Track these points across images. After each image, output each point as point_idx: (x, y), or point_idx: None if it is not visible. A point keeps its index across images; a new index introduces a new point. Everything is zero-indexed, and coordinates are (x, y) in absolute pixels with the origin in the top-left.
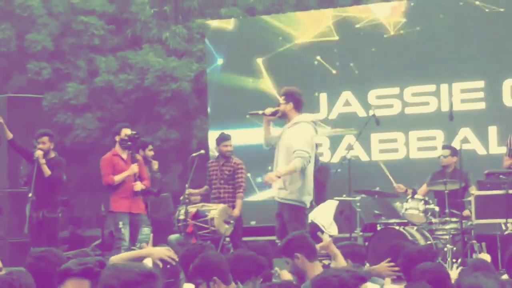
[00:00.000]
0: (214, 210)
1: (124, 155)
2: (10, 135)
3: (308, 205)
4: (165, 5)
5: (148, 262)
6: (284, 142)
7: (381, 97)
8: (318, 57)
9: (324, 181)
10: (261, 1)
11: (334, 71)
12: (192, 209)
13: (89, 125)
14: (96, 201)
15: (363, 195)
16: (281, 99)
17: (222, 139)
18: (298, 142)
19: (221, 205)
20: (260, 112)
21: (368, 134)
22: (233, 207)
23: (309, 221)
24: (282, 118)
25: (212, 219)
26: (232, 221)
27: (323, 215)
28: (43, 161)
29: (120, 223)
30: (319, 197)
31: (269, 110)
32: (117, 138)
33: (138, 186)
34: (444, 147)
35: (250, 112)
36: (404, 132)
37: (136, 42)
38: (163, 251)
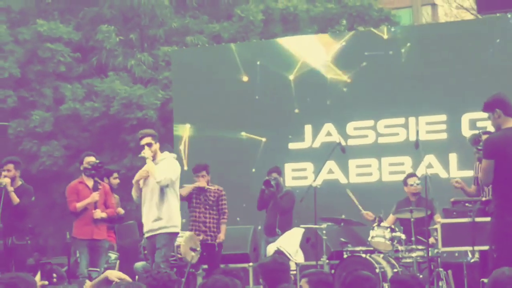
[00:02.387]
0: (181, 238)
1: (90, 183)
2: None
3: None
4: (131, 33)
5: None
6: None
7: (358, 128)
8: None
9: (289, 207)
10: (226, 29)
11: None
12: None
13: (54, 153)
14: (61, 228)
15: (329, 223)
16: (149, 140)
17: (197, 170)
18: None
19: (188, 233)
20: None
21: (347, 160)
22: (218, 232)
23: (275, 248)
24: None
25: (179, 246)
26: (198, 249)
27: (289, 243)
28: (11, 188)
29: (77, 252)
30: (284, 224)
31: (147, 153)
32: (81, 167)
33: (98, 214)
34: (411, 175)
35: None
36: (377, 158)
37: (102, 69)
38: (119, 274)
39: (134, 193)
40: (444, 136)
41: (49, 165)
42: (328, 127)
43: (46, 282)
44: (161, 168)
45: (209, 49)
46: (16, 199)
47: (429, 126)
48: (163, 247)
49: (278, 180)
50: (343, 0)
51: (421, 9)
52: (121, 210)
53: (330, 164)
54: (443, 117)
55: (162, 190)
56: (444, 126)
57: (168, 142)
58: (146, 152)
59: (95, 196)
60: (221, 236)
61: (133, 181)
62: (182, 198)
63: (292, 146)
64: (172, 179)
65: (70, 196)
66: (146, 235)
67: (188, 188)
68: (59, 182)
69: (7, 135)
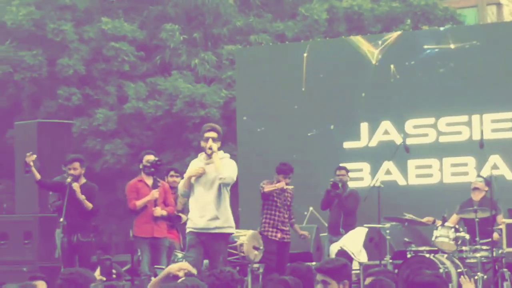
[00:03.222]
0: (244, 236)
1: (149, 181)
2: (38, 176)
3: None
4: (195, 32)
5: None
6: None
7: (417, 127)
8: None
9: (353, 208)
10: (290, 28)
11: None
12: None
13: (118, 151)
14: (124, 226)
15: (393, 223)
16: (216, 135)
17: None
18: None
19: (251, 231)
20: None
21: (405, 161)
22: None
23: (339, 248)
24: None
25: (242, 245)
26: (261, 247)
27: (352, 242)
28: (76, 185)
29: (139, 250)
30: (348, 224)
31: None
32: (140, 166)
33: (158, 211)
34: (478, 176)
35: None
36: (439, 159)
37: (165, 68)
38: (180, 264)
39: (183, 187)
40: (510, 135)
41: (112, 163)
42: (386, 125)
43: (104, 278)
44: (225, 166)
45: (273, 48)
46: (88, 204)
47: (494, 124)
48: (224, 248)
49: (344, 180)
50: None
51: (486, 8)
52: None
53: (388, 165)
54: (509, 115)
55: (220, 189)
56: (510, 124)
57: (231, 141)
58: (214, 146)
59: (155, 193)
60: (305, 233)
61: (186, 176)
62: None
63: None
64: (234, 179)
65: (129, 194)
66: (196, 231)
67: (271, 187)
68: (122, 180)
69: (71, 133)
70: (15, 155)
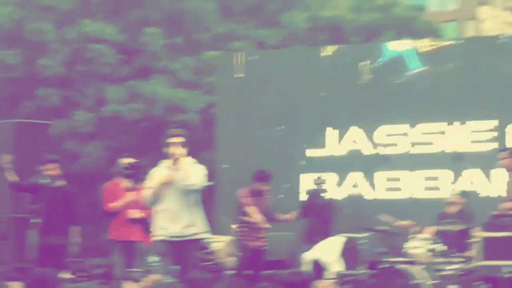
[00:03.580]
0: (220, 242)
1: (125, 184)
2: (13, 178)
3: None
4: (176, 37)
5: None
6: None
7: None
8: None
9: (329, 216)
10: (272, 35)
11: None
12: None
13: (96, 154)
14: (101, 229)
15: (369, 233)
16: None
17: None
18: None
19: (227, 237)
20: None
21: (372, 173)
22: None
23: (312, 257)
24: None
25: (218, 250)
26: (237, 254)
27: (327, 252)
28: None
29: (114, 253)
30: (323, 234)
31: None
32: (116, 169)
33: (132, 213)
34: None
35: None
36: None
37: (145, 72)
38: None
39: (152, 196)
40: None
41: (90, 166)
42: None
43: (74, 277)
44: (195, 172)
45: (254, 54)
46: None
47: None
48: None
49: (322, 189)
50: (390, 11)
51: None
52: None
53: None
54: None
55: (191, 195)
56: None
57: (210, 146)
58: (180, 152)
59: (129, 196)
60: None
61: (155, 183)
62: None
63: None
64: (204, 184)
65: (106, 197)
66: (170, 239)
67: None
68: (100, 182)
69: (48, 134)
70: None
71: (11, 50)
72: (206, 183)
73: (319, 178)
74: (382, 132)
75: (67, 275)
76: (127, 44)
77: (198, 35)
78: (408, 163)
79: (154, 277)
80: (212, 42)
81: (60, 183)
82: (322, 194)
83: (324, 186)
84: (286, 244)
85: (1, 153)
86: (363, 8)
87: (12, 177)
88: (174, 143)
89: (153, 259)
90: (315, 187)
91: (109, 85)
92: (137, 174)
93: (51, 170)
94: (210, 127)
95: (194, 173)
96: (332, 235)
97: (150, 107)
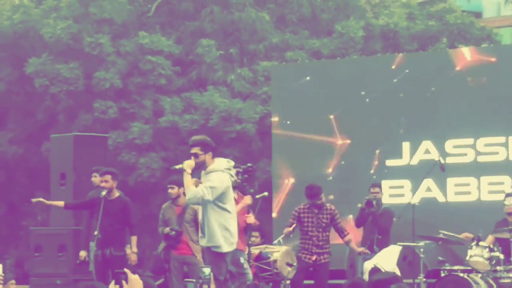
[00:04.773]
0: (277, 253)
1: (235, 195)
2: (60, 204)
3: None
4: (231, 48)
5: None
6: None
7: (457, 146)
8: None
9: (387, 225)
10: (326, 45)
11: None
12: (255, 250)
13: (152, 165)
14: (156, 241)
15: (427, 241)
16: (196, 150)
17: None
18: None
19: (284, 248)
20: (181, 166)
21: (445, 179)
22: (329, 253)
23: (372, 265)
24: (199, 168)
25: (275, 261)
26: (295, 264)
27: (386, 260)
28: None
29: (242, 258)
30: (382, 242)
31: (189, 164)
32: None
33: (249, 219)
34: (508, 195)
35: (173, 166)
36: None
37: (201, 83)
38: None
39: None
40: None
41: (146, 177)
42: (427, 144)
43: None
44: (208, 182)
45: (308, 65)
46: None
47: None
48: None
49: (378, 198)
50: (444, 18)
51: None
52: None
53: (428, 182)
54: None
55: (205, 207)
56: None
57: (266, 157)
58: (186, 163)
59: (247, 199)
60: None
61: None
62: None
63: (389, 163)
64: (204, 197)
65: None
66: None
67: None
68: (156, 194)
69: (106, 146)
70: (50, 168)
71: (69, 64)
72: (206, 197)
73: (374, 186)
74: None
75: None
76: (182, 56)
77: (252, 46)
78: (475, 170)
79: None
80: (267, 52)
81: (116, 194)
82: (379, 203)
83: (381, 194)
84: (345, 254)
85: (60, 167)
86: (417, 15)
87: (58, 203)
88: (191, 154)
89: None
90: (371, 196)
91: (165, 96)
92: (251, 178)
93: (108, 182)
94: (266, 137)
95: (192, 188)
96: (391, 244)
97: (205, 118)
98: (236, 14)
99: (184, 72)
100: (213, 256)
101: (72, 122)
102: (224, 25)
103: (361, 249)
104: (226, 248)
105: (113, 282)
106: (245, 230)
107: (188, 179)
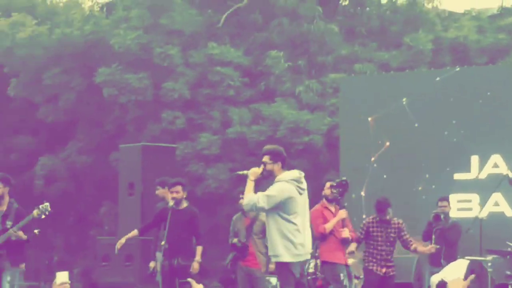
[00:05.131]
0: None
1: (332, 208)
2: (135, 233)
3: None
4: (299, 60)
5: None
6: None
7: None
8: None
9: (455, 239)
10: (395, 57)
11: None
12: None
13: (220, 176)
14: (224, 252)
15: (495, 255)
16: (266, 158)
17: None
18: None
19: (351, 260)
20: (246, 172)
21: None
22: (394, 266)
23: (439, 279)
24: (267, 178)
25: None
26: (361, 276)
27: (453, 274)
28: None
29: (342, 275)
30: (450, 256)
31: (254, 171)
32: (323, 193)
33: (344, 233)
34: None
35: (236, 172)
36: None
37: (269, 95)
38: None
39: None
40: None
41: (214, 188)
42: (495, 158)
43: None
44: (267, 190)
45: (377, 77)
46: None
47: None
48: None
49: (446, 212)
50: None
51: None
52: None
53: (496, 196)
54: None
55: (268, 216)
56: None
57: (334, 168)
58: (251, 170)
59: (342, 213)
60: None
61: None
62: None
63: (457, 176)
64: (257, 204)
65: (315, 221)
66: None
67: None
68: (223, 205)
69: (174, 157)
70: (119, 178)
71: (138, 74)
72: (259, 204)
73: (442, 200)
74: None
75: None
76: (251, 67)
77: (321, 58)
78: None
79: None
80: (335, 64)
81: (184, 205)
82: (447, 217)
83: (449, 208)
84: (412, 267)
85: (128, 177)
86: (487, 28)
87: (133, 232)
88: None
89: (272, 281)
90: (439, 209)
91: (233, 107)
92: (344, 192)
93: (179, 192)
94: (333, 149)
95: (250, 194)
96: (459, 258)
97: (273, 129)
98: (305, 26)
99: (252, 83)
100: (277, 266)
101: (140, 132)
102: (293, 36)
103: (431, 246)
104: (287, 257)
105: None
106: (342, 244)
107: (249, 186)
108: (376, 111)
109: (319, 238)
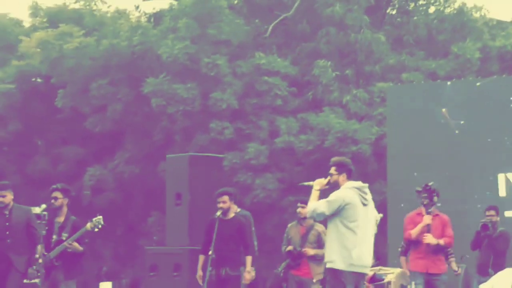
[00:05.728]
0: (391, 274)
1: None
2: (202, 258)
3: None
4: (347, 69)
5: None
6: None
7: None
8: None
9: (504, 248)
10: (442, 66)
11: None
12: (369, 272)
13: (268, 186)
14: (272, 261)
15: None
16: (332, 170)
17: None
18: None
19: (399, 270)
20: (312, 183)
21: None
22: None
23: None
24: (333, 188)
25: (389, 282)
26: (409, 286)
27: (502, 284)
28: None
29: (413, 283)
30: (498, 265)
31: (319, 182)
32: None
33: (429, 238)
34: None
35: (302, 183)
36: None
37: (317, 104)
38: None
39: None
40: None
41: (262, 198)
42: None
43: None
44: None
45: (424, 86)
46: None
47: None
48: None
49: (493, 221)
50: None
51: None
52: None
53: None
54: None
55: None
56: None
57: (382, 178)
58: (316, 181)
59: (427, 219)
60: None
61: None
62: None
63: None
64: (317, 210)
65: (406, 226)
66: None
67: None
68: (272, 214)
69: (222, 167)
70: (166, 188)
71: (186, 84)
72: (320, 209)
73: (490, 209)
74: None
75: None
76: (298, 77)
77: (368, 67)
78: None
79: None
80: (383, 73)
81: (232, 215)
82: (495, 226)
83: (497, 217)
84: (458, 276)
85: (176, 187)
86: None
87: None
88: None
89: None
90: (487, 219)
91: (280, 117)
92: (431, 197)
93: (225, 202)
94: (381, 158)
95: (313, 202)
96: (507, 267)
97: (321, 139)
98: (352, 36)
99: (300, 93)
100: (328, 272)
101: (188, 142)
102: (340, 46)
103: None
104: (340, 264)
105: None
106: (433, 251)
107: (314, 195)
108: (424, 121)
109: (408, 244)
